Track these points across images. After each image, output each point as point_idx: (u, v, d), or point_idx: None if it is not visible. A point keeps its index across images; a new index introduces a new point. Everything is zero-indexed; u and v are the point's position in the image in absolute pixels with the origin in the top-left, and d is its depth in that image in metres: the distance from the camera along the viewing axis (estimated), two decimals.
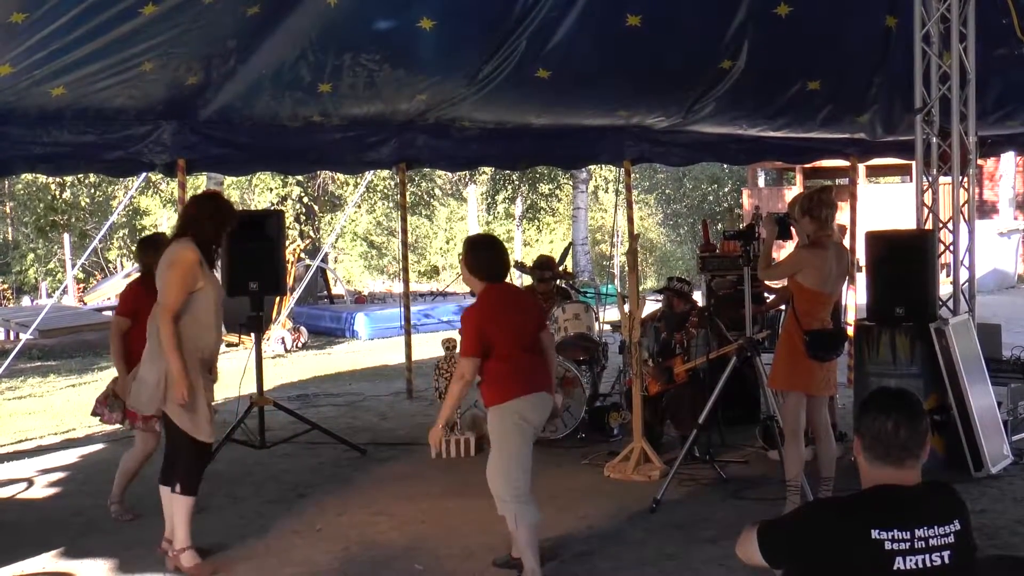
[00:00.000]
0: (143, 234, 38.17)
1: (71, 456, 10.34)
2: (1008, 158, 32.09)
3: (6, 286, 37.67)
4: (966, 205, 9.68)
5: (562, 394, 9.90)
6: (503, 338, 6.12)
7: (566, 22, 9.65)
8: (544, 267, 10.89)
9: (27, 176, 29.83)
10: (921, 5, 9.19)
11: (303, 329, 20.73)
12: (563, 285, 11.42)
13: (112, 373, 8.13)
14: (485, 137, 12.14)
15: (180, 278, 6.46)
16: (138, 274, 8.13)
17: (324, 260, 26.33)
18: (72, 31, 7.85)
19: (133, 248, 36.93)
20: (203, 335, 6.56)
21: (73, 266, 29.89)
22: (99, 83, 8.98)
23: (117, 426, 8.06)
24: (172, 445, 6.67)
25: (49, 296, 30.00)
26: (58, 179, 30.68)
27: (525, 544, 6.08)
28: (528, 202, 38.02)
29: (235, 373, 10.31)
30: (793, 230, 7.55)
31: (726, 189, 46.12)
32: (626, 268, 9.88)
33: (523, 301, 6.51)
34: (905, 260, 8.82)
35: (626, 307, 9.01)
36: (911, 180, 16.82)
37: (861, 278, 9.28)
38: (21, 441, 11.24)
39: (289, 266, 19.72)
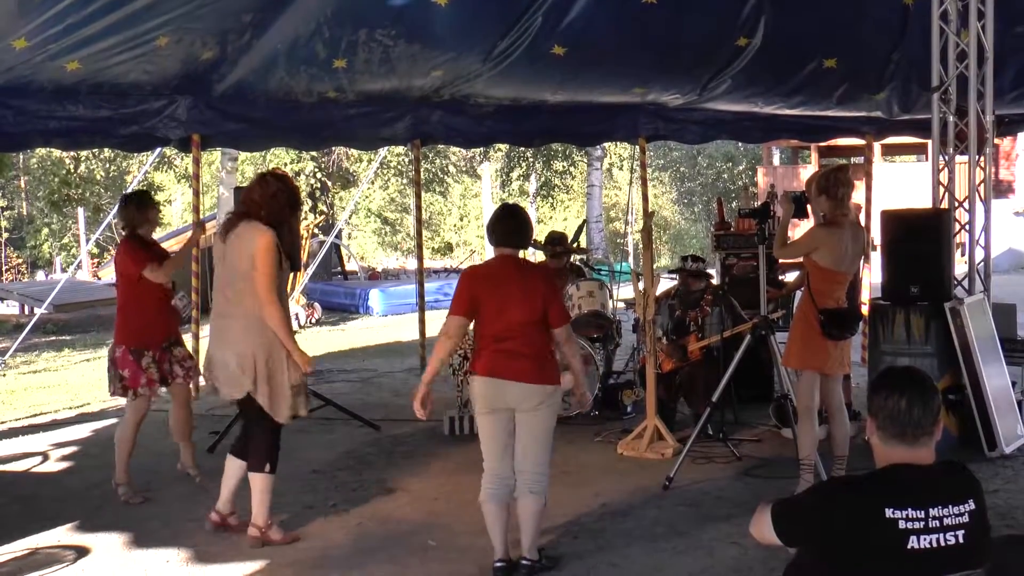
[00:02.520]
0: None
1: (85, 430, 10.39)
2: None
3: (21, 260, 37.84)
4: (982, 184, 9.65)
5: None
6: (487, 308, 6.11)
7: None
8: (555, 242, 10.88)
9: (41, 150, 29.86)
10: None
11: (317, 305, 20.78)
12: (577, 263, 11.42)
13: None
14: (500, 114, 12.11)
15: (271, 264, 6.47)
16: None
17: (338, 236, 26.36)
18: (87, 5, 7.83)
19: None
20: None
21: (87, 241, 29.97)
22: (114, 58, 8.97)
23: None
24: (255, 426, 6.74)
25: (63, 271, 30.12)
26: (73, 153, 30.70)
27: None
28: (542, 179, 37.99)
29: None
30: (809, 209, 7.52)
31: (741, 167, 46.06)
32: (640, 246, 9.86)
33: (527, 279, 6.21)
34: (920, 239, 8.78)
35: (640, 285, 9.01)
36: (927, 159, 16.75)
37: (876, 257, 9.24)
38: (36, 415, 11.30)
39: (303, 242, 19.74)
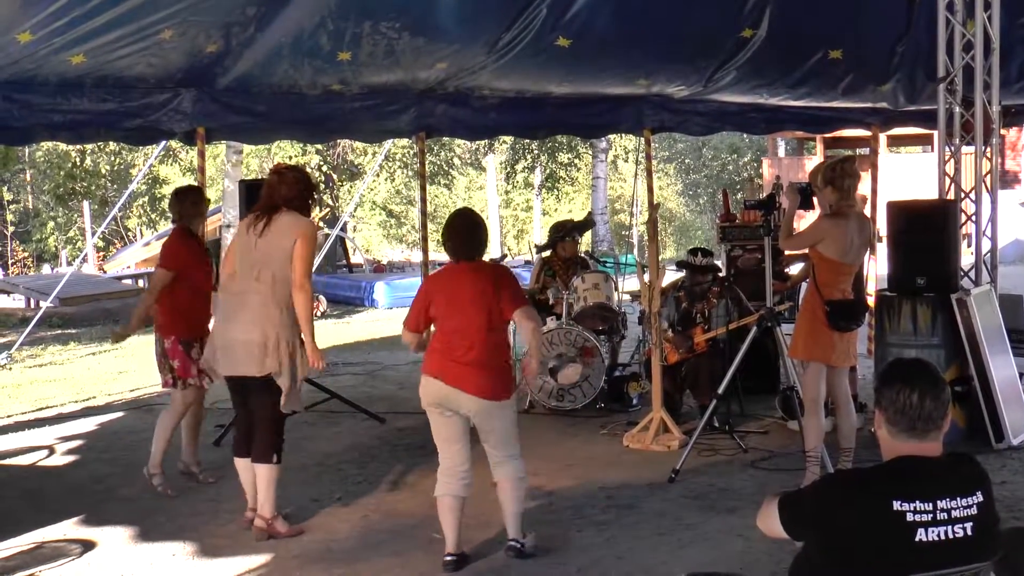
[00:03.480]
0: (163, 203, 38.41)
1: (91, 424, 10.39)
2: None
3: (26, 254, 37.88)
4: (988, 175, 9.62)
5: (580, 364, 9.90)
6: (441, 316, 6.17)
7: None
8: (569, 230, 10.91)
9: (46, 144, 29.86)
10: None
11: (322, 298, 20.74)
12: (583, 254, 11.43)
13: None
14: (504, 106, 12.06)
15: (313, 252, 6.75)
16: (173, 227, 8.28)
17: (343, 229, 26.34)
18: None
19: (153, 217, 37.09)
20: None
21: (93, 234, 29.96)
22: (118, 51, 8.94)
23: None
24: (259, 415, 6.74)
25: (69, 264, 30.11)
26: (78, 147, 30.71)
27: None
28: (547, 171, 37.92)
29: None
30: (815, 200, 7.50)
31: (746, 159, 46.02)
32: (645, 238, 9.84)
33: (477, 281, 6.16)
34: (927, 230, 8.77)
35: (646, 277, 8.99)
36: (932, 150, 16.70)
37: (882, 248, 9.22)
38: (42, 409, 11.30)
39: None
